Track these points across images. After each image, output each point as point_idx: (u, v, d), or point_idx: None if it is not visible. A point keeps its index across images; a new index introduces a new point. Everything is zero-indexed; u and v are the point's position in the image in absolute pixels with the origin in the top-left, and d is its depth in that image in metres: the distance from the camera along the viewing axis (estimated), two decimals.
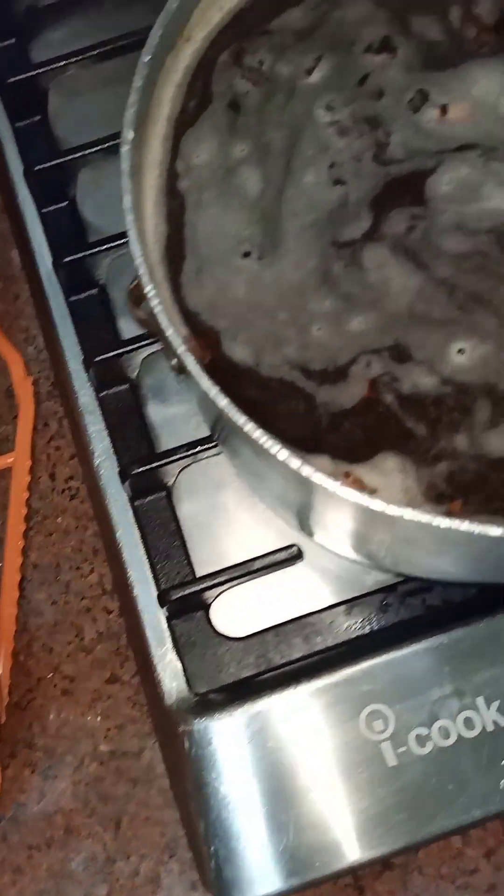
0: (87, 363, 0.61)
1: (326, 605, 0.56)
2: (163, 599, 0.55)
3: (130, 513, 0.59)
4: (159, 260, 0.45)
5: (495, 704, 0.54)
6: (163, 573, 0.58)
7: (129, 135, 0.44)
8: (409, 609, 0.55)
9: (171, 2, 0.46)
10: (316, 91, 0.48)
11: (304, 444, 0.42)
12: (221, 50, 0.50)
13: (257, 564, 0.56)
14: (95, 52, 0.65)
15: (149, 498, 0.59)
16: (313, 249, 0.45)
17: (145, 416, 0.61)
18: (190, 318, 0.44)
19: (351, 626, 0.56)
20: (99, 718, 0.58)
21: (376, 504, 0.36)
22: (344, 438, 0.42)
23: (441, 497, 0.41)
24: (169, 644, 0.56)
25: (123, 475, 0.58)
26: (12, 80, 0.66)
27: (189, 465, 0.59)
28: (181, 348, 0.40)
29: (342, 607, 0.56)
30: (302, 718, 0.54)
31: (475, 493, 0.41)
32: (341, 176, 0.46)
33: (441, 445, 0.42)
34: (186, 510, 0.60)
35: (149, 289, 0.41)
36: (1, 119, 0.68)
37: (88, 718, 0.58)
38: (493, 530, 0.36)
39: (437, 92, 0.48)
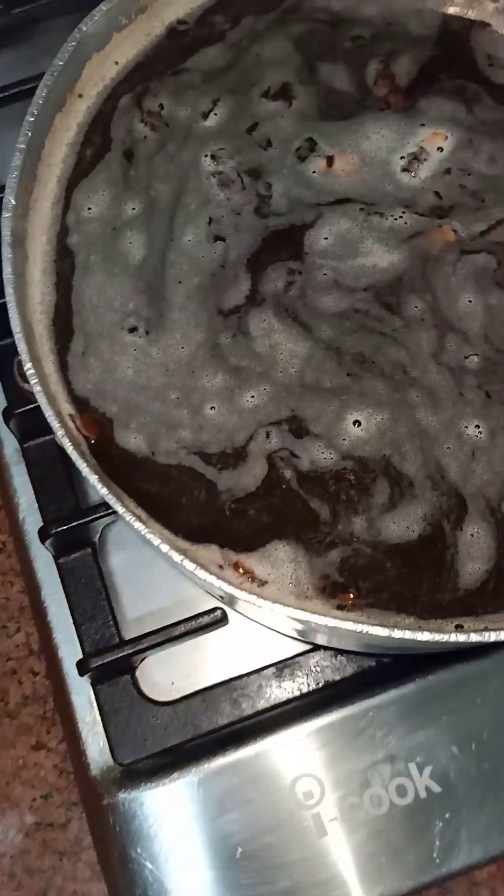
0: (7, 415, 0.59)
1: (254, 669, 0.54)
2: (84, 666, 0.53)
3: (55, 570, 0.57)
4: (46, 334, 0.43)
5: (427, 770, 0.52)
6: (87, 635, 0.56)
7: (10, 202, 0.41)
8: (339, 672, 0.53)
9: (56, 58, 0.44)
10: (205, 138, 0.46)
11: (202, 532, 0.40)
12: (119, 99, 0.47)
13: (181, 629, 0.54)
14: None
15: (74, 555, 0.57)
16: (200, 320, 0.43)
17: (71, 468, 0.59)
18: (78, 401, 0.42)
19: (279, 689, 0.54)
20: (24, 788, 0.56)
21: (253, 599, 0.34)
22: (247, 525, 0.41)
23: (334, 588, 0.39)
24: (94, 710, 0.54)
25: (45, 533, 0.56)
26: None
27: (115, 520, 0.57)
28: (59, 432, 0.38)
29: (271, 670, 0.54)
30: (230, 788, 0.52)
31: (369, 583, 0.39)
32: (220, 231, 0.44)
33: (338, 530, 0.40)
34: (113, 565, 0.58)
35: (28, 368, 0.39)
36: None
37: (13, 788, 0.56)
38: (379, 630, 0.34)
39: (326, 142, 0.46)
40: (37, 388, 0.38)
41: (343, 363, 0.42)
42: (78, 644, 0.55)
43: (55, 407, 0.38)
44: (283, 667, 0.54)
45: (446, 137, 0.46)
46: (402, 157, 0.45)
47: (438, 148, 0.46)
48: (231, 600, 0.38)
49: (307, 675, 0.53)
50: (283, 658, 0.54)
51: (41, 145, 0.44)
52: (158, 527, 0.39)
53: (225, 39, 0.49)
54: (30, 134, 0.42)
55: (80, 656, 0.55)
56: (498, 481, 0.39)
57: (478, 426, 0.41)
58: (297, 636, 0.51)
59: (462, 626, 0.37)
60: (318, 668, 0.54)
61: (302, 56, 0.48)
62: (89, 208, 0.45)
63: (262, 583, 0.39)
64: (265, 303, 0.43)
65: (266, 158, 0.46)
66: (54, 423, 0.38)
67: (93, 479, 0.37)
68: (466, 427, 0.41)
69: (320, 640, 0.47)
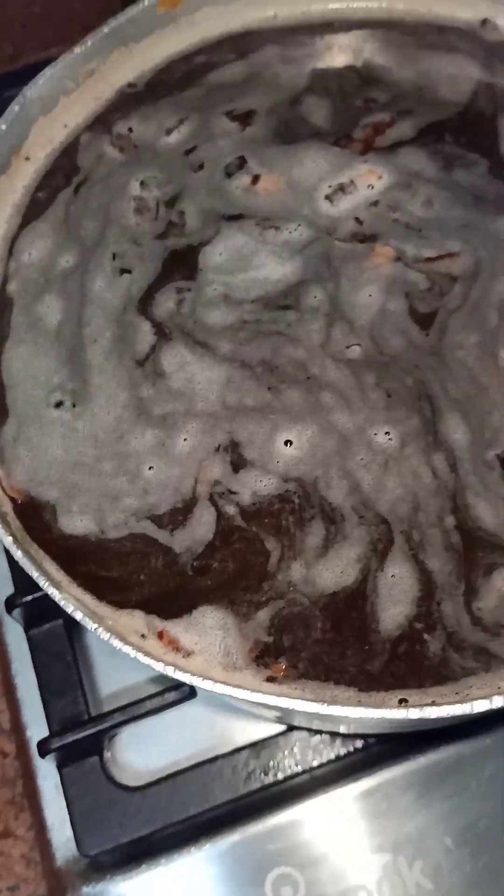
0: None
1: (229, 750, 0.50)
2: (46, 746, 0.50)
3: (25, 642, 0.55)
4: None
5: (418, 864, 0.46)
6: (55, 712, 0.53)
7: None
8: (319, 754, 0.49)
9: None
10: (143, 162, 0.47)
11: (130, 599, 0.38)
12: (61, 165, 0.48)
13: (147, 705, 0.51)
14: None
15: (44, 626, 0.54)
16: (120, 378, 0.42)
17: None
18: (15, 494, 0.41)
19: (254, 773, 0.50)
20: None
21: (171, 672, 0.32)
22: (183, 585, 0.38)
23: (265, 655, 0.35)
24: (59, 795, 0.51)
25: (11, 603, 0.54)
26: None
27: None
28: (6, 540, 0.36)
29: (246, 752, 0.50)
30: (202, 883, 0.48)
31: (301, 648, 0.35)
32: (126, 264, 0.44)
33: (273, 580, 0.37)
34: (87, 638, 0.55)
35: None
36: None
37: None
38: (307, 706, 0.30)
39: (257, 162, 0.47)
40: None
41: (257, 377, 0.42)
42: (45, 723, 0.52)
43: None
44: (259, 749, 0.50)
45: (381, 177, 0.44)
46: (329, 186, 0.44)
47: (369, 185, 0.45)
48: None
49: (285, 758, 0.49)
50: (259, 738, 0.50)
51: None
52: (79, 591, 0.37)
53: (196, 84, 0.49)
54: None
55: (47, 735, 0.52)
56: (409, 498, 0.37)
57: (388, 433, 0.40)
58: (263, 714, 0.47)
59: (406, 700, 0.33)
60: (297, 751, 0.49)
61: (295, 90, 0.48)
62: (30, 253, 0.45)
63: (188, 653, 0.35)
64: (172, 334, 0.43)
65: (191, 180, 0.46)
66: None
67: (6, 541, 0.35)
68: (376, 434, 0.40)
69: (273, 717, 0.43)
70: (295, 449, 0.41)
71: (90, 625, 0.34)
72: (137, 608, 0.38)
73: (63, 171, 0.48)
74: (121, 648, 0.33)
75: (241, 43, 0.51)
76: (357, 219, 0.45)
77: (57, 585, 0.36)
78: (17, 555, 0.35)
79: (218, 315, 0.43)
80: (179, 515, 0.40)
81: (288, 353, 0.43)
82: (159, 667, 0.32)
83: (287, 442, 0.41)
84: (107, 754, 0.49)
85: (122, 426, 0.41)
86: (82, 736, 0.50)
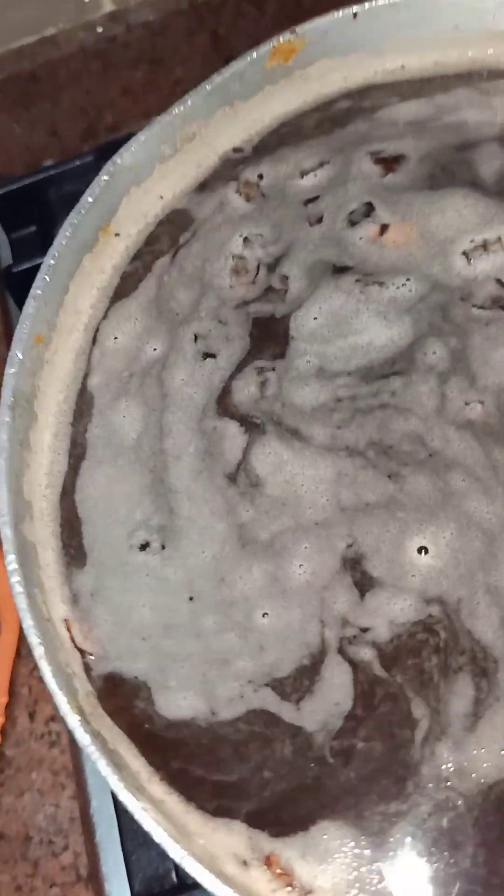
0: None
1: None
2: None
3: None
4: (56, 569, 0.35)
5: None
6: (138, 867, 0.45)
7: (16, 356, 0.35)
8: None
9: (86, 194, 0.39)
10: (246, 217, 0.40)
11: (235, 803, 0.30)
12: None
13: None
14: None
15: None
16: (213, 503, 0.34)
17: None
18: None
19: None
20: None
21: None
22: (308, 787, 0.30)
23: None
24: None
25: None
26: None
27: None
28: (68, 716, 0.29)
29: None
30: None
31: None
32: (209, 346, 0.37)
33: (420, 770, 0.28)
34: None
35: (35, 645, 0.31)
36: None
37: None
38: None
39: (388, 209, 0.39)
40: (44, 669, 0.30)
41: (371, 463, 0.34)
42: (125, 879, 0.45)
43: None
44: None
45: None
46: (471, 241, 0.36)
47: None
48: None
49: None
50: None
51: (65, 289, 0.38)
52: (163, 790, 0.29)
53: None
54: (48, 279, 0.36)
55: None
56: None
57: None
58: None
59: None
60: None
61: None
62: (115, 338, 0.39)
63: (307, 893, 0.27)
64: (264, 426, 0.36)
65: (305, 234, 0.39)
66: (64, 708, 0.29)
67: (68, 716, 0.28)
68: None
69: None
70: (433, 558, 0.33)
71: (176, 852, 0.26)
72: (240, 819, 0.30)
73: (169, 235, 0.42)
74: (216, 892, 0.25)
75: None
76: (499, 280, 0.37)
77: (134, 786, 0.28)
78: (82, 738, 0.28)
79: (308, 393, 0.36)
80: (306, 678, 0.32)
81: (398, 426, 0.36)
82: None
83: (422, 549, 0.33)
84: None
85: (222, 566, 0.34)
86: None
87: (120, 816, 0.47)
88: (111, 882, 0.47)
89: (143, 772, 0.31)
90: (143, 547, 0.34)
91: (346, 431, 0.35)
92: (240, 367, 0.38)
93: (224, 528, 0.34)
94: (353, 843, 0.29)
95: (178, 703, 0.32)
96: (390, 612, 0.33)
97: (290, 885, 0.28)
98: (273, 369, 0.37)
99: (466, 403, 0.35)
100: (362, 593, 0.33)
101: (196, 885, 0.41)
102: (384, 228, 0.38)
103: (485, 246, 0.38)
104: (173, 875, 0.44)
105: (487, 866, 0.28)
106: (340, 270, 0.39)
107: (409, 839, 0.29)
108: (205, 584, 0.34)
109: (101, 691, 0.33)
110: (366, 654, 0.32)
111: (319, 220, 0.40)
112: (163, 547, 0.34)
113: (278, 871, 0.29)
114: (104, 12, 0.68)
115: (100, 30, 0.69)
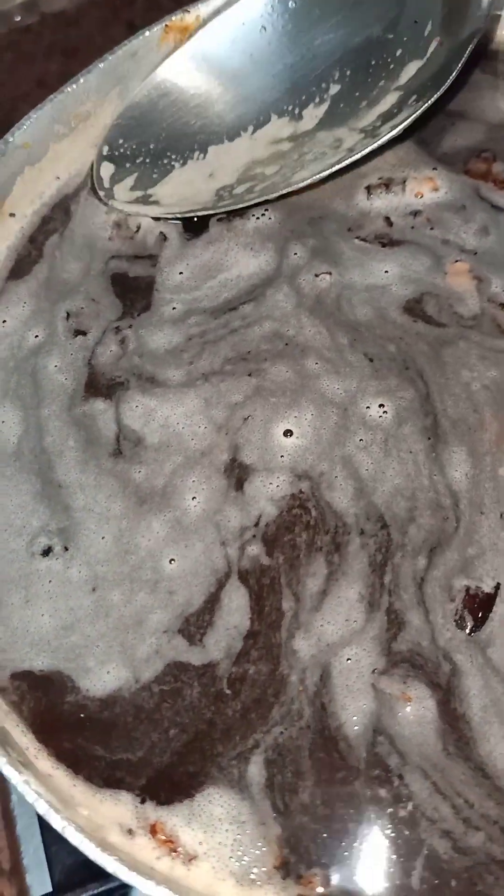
0: None
1: None
2: None
3: None
4: None
5: None
6: (58, 858, 0.45)
7: None
8: None
9: None
10: None
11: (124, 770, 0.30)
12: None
13: None
14: None
15: None
16: (107, 486, 0.35)
17: None
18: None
19: None
20: None
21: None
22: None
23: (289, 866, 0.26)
24: None
25: None
26: None
27: None
28: None
29: None
30: None
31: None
32: (80, 324, 0.39)
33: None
34: None
35: None
36: None
37: None
38: None
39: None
40: None
41: (232, 372, 0.37)
42: (47, 869, 0.44)
43: None
44: None
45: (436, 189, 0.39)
46: (378, 178, 0.40)
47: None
48: None
49: None
50: None
51: None
52: (51, 765, 0.29)
53: None
54: None
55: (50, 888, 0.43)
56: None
57: (382, 405, 0.36)
58: None
59: None
60: None
61: None
62: (4, 321, 0.38)
63: (190, 858, 0.27)
64: (125, 386, 0.37)
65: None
66: None
67: None
68: (369, 407, 0.36)
69: None
70: (297, 438, 0.36)
71: (57, 822, 0.26)
72: (127, 790, 0.30)
73: (65, 214, 0.42)
74: (95, 859, 0.25)
75: None
76: (388, 219, 0.40)
77: (20, 761, 0.28)
78: None
79: (162, 338, 0.38)
80: (207, 611, 0.33)
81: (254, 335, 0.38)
82: (148, 888, 0.24)
83: (287, 432, 0.36)
84: None
85: (123, 540, 0.34)
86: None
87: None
88: (32, 873, 0.46)
89: (31, 748, 0.31)
90: (46, 552, 0.35)
91: (200, 363, 0.37)
92: (104, 333, 0.38)
93: (120, 506, 0.35)
94: (235, 811, 0.29)
95: (102, 679, 0.32)
96: (267, 491, 0.35)
97: (175, 850, 0.28)
98: (130, 326, 0.38)
99: (316, 275, 0.38)
100: (241, 485, 0.35)
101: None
102: None
103: (388, 185, 0.40)
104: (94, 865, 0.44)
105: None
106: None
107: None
108: (108, 568, 0.34)
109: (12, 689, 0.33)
110: (253, 549, 0.34)
111: None
112: (65, 549, 0.34)
113: (163, 838, 0.29)
114: (17, 2, 0.67)
115: (16, 19, 0.68)
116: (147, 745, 0.31)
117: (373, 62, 0.42)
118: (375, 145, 0.40)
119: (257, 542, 0.34)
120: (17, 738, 0.31)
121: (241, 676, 0.32)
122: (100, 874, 0.43)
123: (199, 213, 0.40)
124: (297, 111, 0.43)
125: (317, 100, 0.42)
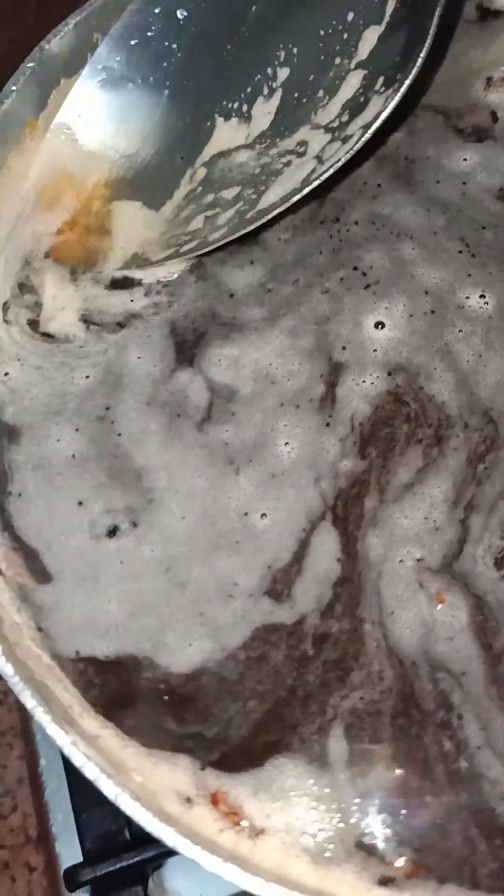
0: None
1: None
2: (74, 878, 0.40)
3: None
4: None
5: None
6: (90, 825, 0.43)
7: None
8: None
9: (9, 83, 0.34)
10: None
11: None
12: None
13: None
14: None
15: None
16: (194, 459, 0.32)
17: None
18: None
19: None
20: None
21: (230, 871, 0.21)
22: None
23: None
24: None
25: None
26: None
27: None
28: None
29: None
30: None
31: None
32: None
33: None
34: None
35: None
36: None
37: None
38: None
39: None
40: None
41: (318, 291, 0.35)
42: (76, 838, 0.42)
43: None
44: None
45: None
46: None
47: None
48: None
49: None
50: None
51: None
52: (96, 722, 0.26)
53: None
54: None
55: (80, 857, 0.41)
56: None
57: (482, 295, 0.35)
58: None
59: None
60: None
61: None
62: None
63: (258, 832, 0.25)
64: (206, 340, 0.35)
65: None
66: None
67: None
68: (468, 297, 0.35)
69: None
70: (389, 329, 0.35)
71: (110, 789, 0.23)
72: (184, 753, 0.27)
73: None
74: (154, 831, 0.22)
75: None
76: (494, 114, 0.38)
77: (64, 719, 0.25)
78: (4, 668, 0.25)
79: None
80: (296, 564, 0.31)
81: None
82: (213, 865, 0.21)
83: (378, 324, 0.35)
84: (156, 878, 0.41)
85: (210, 512, 0.32)
86: (123, 865, 0.39)
87: (69, 775, 0.44)
88: (61, 842, 0.45)
89: (75, 706, 0.28)
90: (112, 532, 0.32)
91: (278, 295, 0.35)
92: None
93: (204, 481, 0.32)
94: (312, 781, 0.26)
95: (186, 653, 0.30)
96: (361, 390, 0.34)
97: (237, 824, 0.26)
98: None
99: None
100: (333, 388, 0.33)
101: (149, 840, 0.39)
102: None
103: None
104: (126, 832, 0.42)
105: None
106: None
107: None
108: (185, 547, 0.31)
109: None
110: (346, 464, 0.32)
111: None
112: (134, 525, 0.32)
113: (225, 809, 0.26)
114: None
115: None
116: (224, 720, 0.28)
117: (320, 32, 0.36)
118: (351, 153, 0.34)
119: (353, 453, 0.32)
120: (58, 694, 0.28)
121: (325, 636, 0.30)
122: (134, 844, 0.41)
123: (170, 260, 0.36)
124: (244, 109, 0.37)
125: (265, 90, 0.37)
